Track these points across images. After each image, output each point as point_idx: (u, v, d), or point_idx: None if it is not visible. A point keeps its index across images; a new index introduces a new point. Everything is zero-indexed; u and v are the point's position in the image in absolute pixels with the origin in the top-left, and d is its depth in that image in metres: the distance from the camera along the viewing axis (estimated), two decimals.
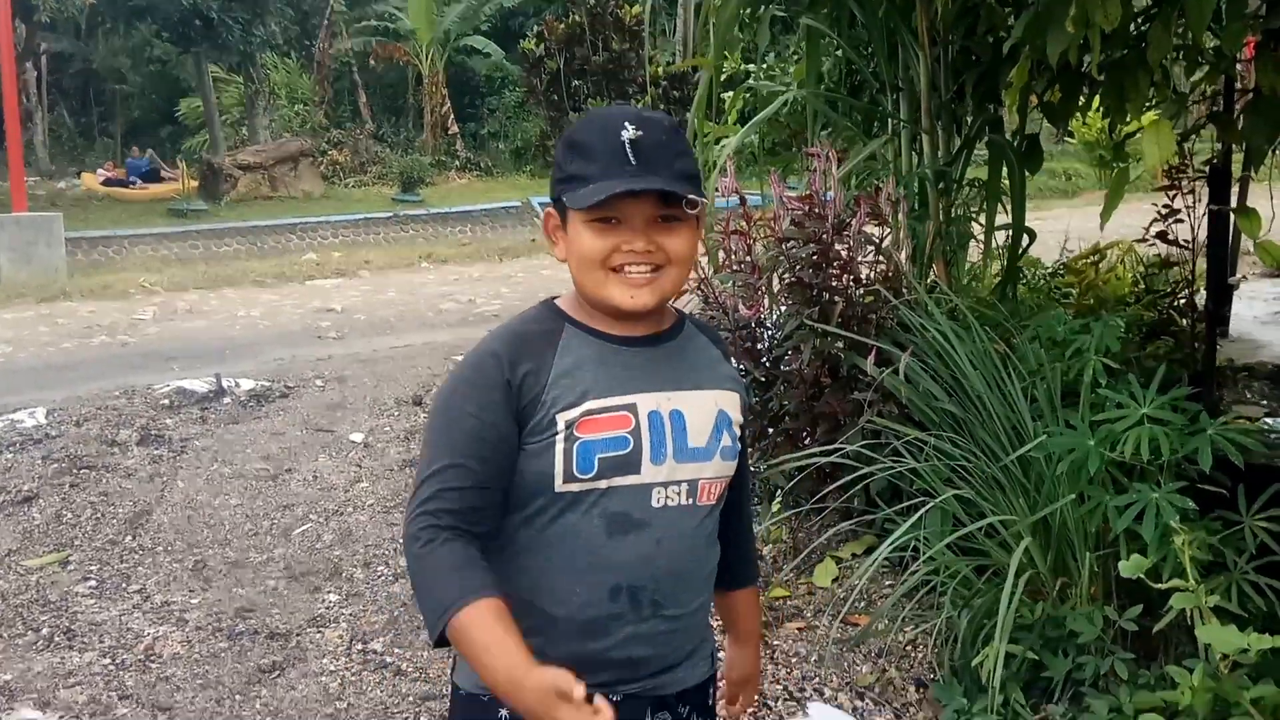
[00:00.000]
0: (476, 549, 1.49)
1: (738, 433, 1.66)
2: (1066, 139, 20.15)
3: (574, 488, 1.52)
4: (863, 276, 4.13)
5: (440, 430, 1.55)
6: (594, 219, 1.53)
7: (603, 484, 1.53)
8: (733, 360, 1.75)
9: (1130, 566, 2.51)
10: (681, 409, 1.58)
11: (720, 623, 1.94)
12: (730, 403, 1.65)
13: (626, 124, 1.51)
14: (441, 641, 1.45)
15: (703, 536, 1.63)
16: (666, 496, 1.57)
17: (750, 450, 1.80)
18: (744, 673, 1.89)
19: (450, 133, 27.58)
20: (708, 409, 1.61)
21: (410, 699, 3.36)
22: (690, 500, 1.59)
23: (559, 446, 1.51)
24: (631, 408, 1.55)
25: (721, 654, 1.87)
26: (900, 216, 4.46)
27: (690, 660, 1.66)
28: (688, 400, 1.60)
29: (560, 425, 1.51)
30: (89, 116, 31.27)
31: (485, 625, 1.41)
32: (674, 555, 1.58)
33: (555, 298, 1.66)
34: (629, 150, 1.50)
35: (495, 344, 1.58)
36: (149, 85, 29.36)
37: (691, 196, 1.52)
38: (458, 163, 26.96)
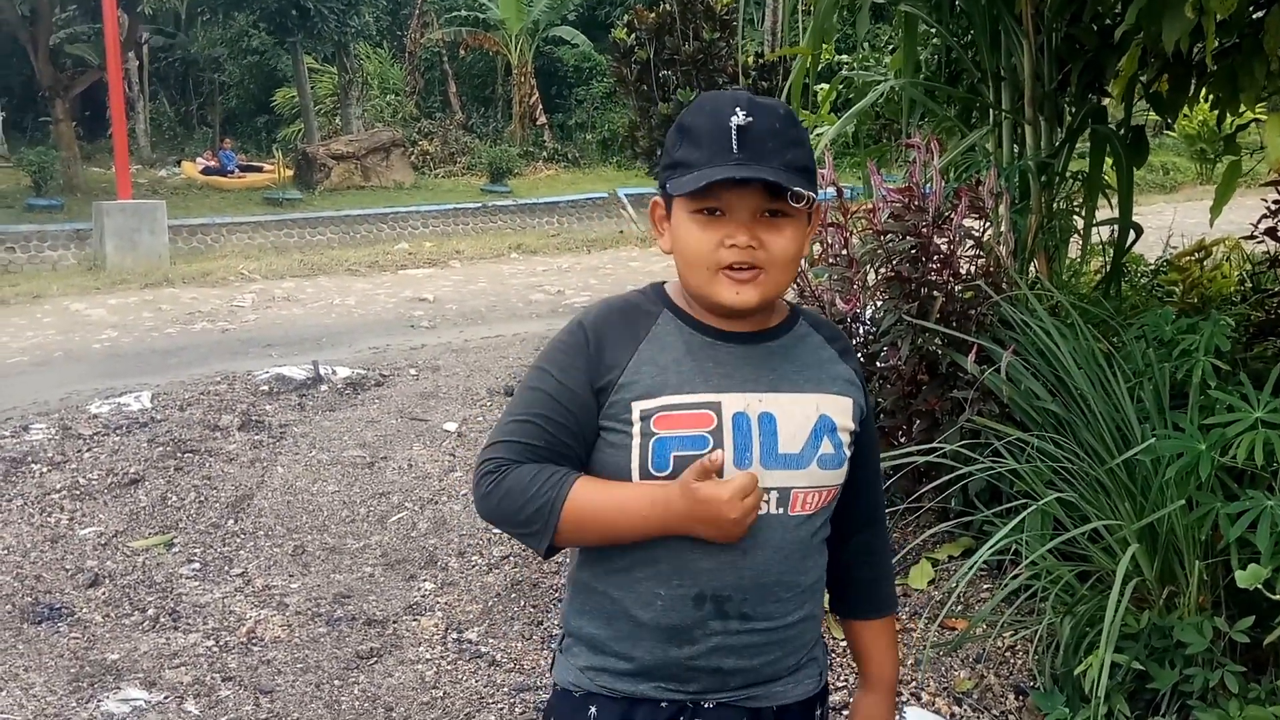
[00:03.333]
0: (546, 455, 1.49)
1: (844, 439, 1.55)
2: (1166, 131, 19.58)
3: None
4: (963, 271, 4.05)
5: (523, 389, 1.55)
6: (697, 209, 1.46)
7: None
8: (856, 359, 1.65)
9: (1247, 577, 2.43)
10: (773, 412, 1.50)
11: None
12: (837, 408, 1.56)
13: (737, 109, 1.44)
14: (552, 550, 1.48)
15: (798, 547, 1.53)
16: None
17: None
18: None
19: (538, 123, 27.78)
20: (805, 413, 1.52)
21: (505, 689, 3.39)
22: (781, 509, 1.50)
23: (635, 441, 1.47)
24: (715, 407, 1.48)
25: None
26: (1002, 209, 4.36)
27: (793, 676, 1.59)
28: (782, 403, 1.51)
29: (635, 414, 1.47)
30: (188, 106, 32.05)
31: (598, 492, 1.46)
32: (763, 566, 1.50)
33: (664, 283, 1.62)
34: (734, 137, 1.42)
35: (590, 315, 1.56)
36: (246, 75, 30.00)
37: (797, 190, 1.43)
38: (545, 153, 27.16)
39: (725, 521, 1.41)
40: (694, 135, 1.47)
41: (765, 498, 1.49)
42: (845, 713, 3.13)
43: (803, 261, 4.40)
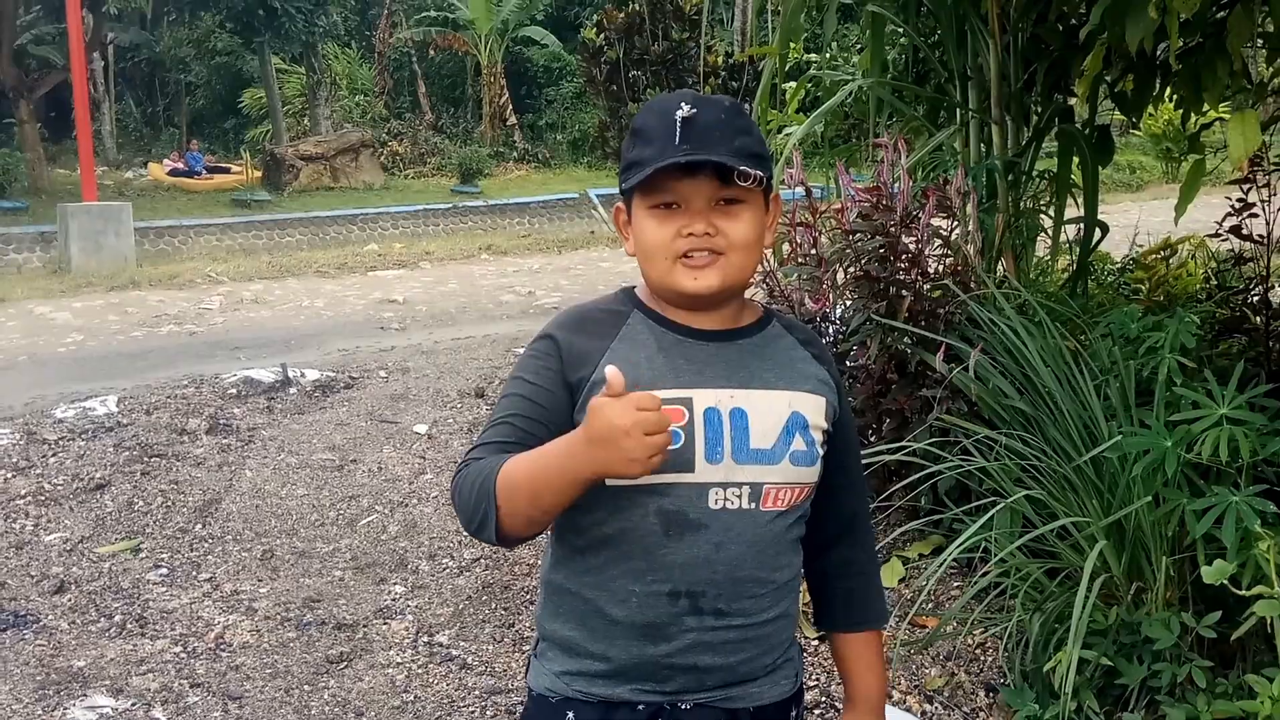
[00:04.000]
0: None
1: (817, 438, 1.56)
2: (1132, 131, 19.75)
3: (621, 482, 1.43)
4: (931, 270, 4.07)
5: (501, 399, 1.56)
6: (653, 205, 1.49)
7: (653, 480, 1.44)
8: (833, 364, 1.65)
9: (1213, 573, 2.45)
10: (745, 408, 1.50)
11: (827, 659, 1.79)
12: (810, 406, 1.56)
13: (682, 104, 1.47)
14: (505, 536, 1.43)
15: (771, 543, 1.53)
16: (725, 498, 1.49)
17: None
18: None
19: (508, 124, 27.74)
20: (777, 410, 1.52)
21: (476, 693, 3.38)
22: (753, 504, 1.50)
23: None
24: (687, 402, 1.48)
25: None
26: (969, 209, 4.39)
27: (769, 676, 1.58)
28: (754, 399, 1.52)
29: None
30: (155, 107, 31.79)
31: (523, 454, 1.42)
32: (736, 560, 1.50)
33: (634, 286, 1.62)
34: (679, 129, 1.45)
35: (560, 319, 1.57)
36: (213, 76, 29.79)
37: (744, 169, 1.44)
38: (515, 154, 27.13)
39: (618, 432, 1.31)
40: (644, 134, 1.50)
41: (737, 491, 1.49)
42: (818, 712, 3.13)
43: (772, 261, 4.43)
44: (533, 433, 1.49)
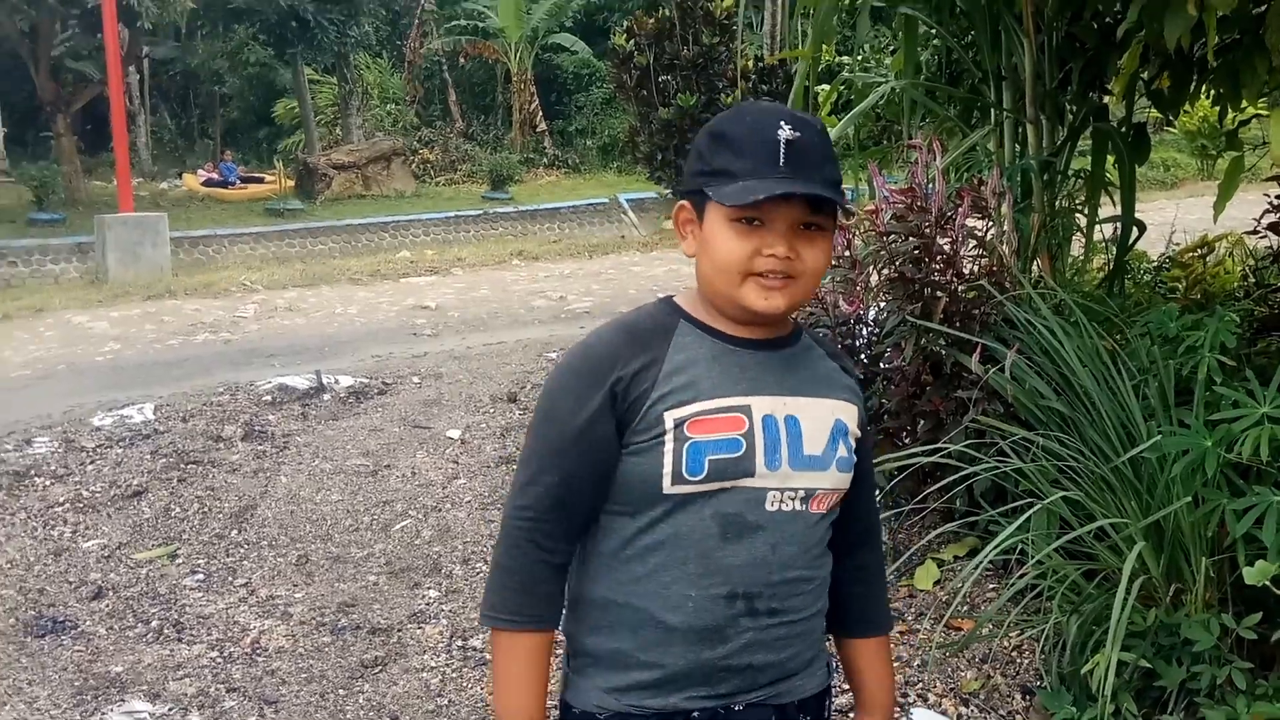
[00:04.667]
0: (560, 562, 1.53)
1: (854, 445, 1.60)
2: (1166, 128, 19.55)
3: (683, 489, 1.48)
4: (966, 271, 4.04)
5: (543, 424, 1.54)
6: (737, 218, 1.47)
7: (713, 486, 1.48)
8: (852, 373, 1.68)
9: (1255, 573, 2.41)
10: (797, 415, 1.53)
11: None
12: (848, 414, 1.60)
13: (783, 123, 1.45)
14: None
15: (817, 543, 1.58)
16: (781, 500, 1.51)
17: None
18: None
19: (538, 130, 27.81)
20: (824, 418, 1.56)
21: None
22: (804, 507, 1.54)
23: (668, 446, 1.47)
24: (745, 410, 1.50)
25: (838, 673, 1.76)
26: (1004, 209, 4.35)
27: (809, 669, 1.61)
28: (804, 407, 1.54)
29: (669, 424, 1.47)
30: (189, 118, 32.09)
31: (521, 658, 1.52)
32: (789, 560, 1.53)
33: (672, 296, 1.63)
34: (783, 151, 1.44)
35: (607, 335, 1.56)
36: (246, 87, 30.02)
37: (848, 206, 1.49)
38: (546, 160, 27.19)
39: None
40: (735, 144, 1.48)
41: (792, 495, 1.52)
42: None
43: None
44: (580, 471, 1.51)
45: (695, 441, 1.47)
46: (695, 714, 1.53)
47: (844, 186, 1.61)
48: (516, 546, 1.51)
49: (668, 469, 1.47)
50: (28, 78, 23.16)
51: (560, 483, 1.50)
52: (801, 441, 1.52)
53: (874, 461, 3.68)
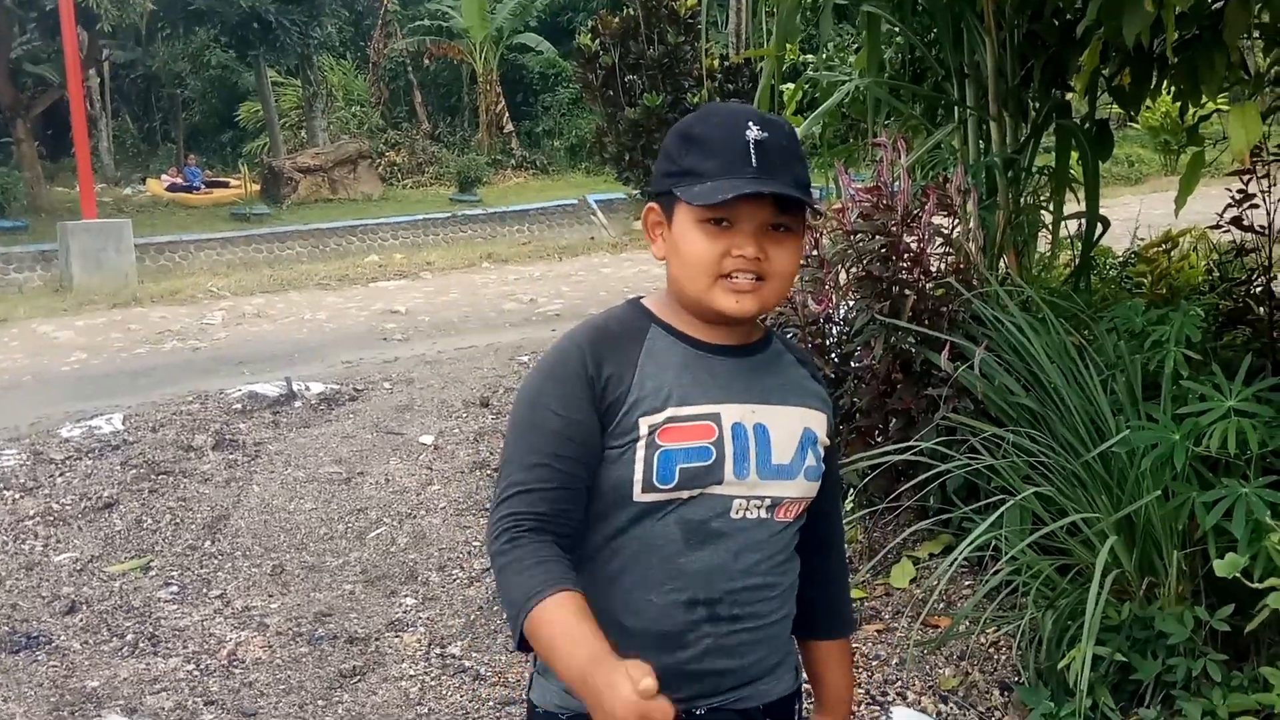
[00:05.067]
0: (558, 547, 1.45)
1: (821, 453, 1.60)
2: (1129, 124, 19.71)
3: (652, 497, 1.48)
4: (933, 269, 4.07)
5: (523, 428, 1.51)
6: (706, 219, 1.47)
7: (683, 494, 1.48)
8: (821, 381, 1.68)
9: (1226, 566, 2.45)
10: (766, 424, 1.53)
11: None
12: (817, 422, 1.60)
13: (751, 123, 1.46)
14: (524, 645, 1.40)
15: (781, 550, 1.57)
16: (746, 509, 1.52)
17: None
18: None
19: (505, 131, 27.76)
20: (793, 426, 1.56)
21: (490, 704, 3.38)
22: (770, 516, 1.54)
23: (639, 454, 1.46)
24: (715, 417, 1.49)
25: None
26: (970, 206, 4.39)
27: (774, 673, 1.61)
28: (773, 415, 1.54)
29: (643, 430, 1.46)
30: (151, 122, 31.78)
31: (561, 617, 1.36)
32: (750, 567, 1.53)
33: (641, 297, 1.62)
34: (753, 151, 1.44)
35: (580, 338, 1.54)
36: (209, 90, 29.76)
37: (816, 207, 1.49)
38: (513, 161, 27.15)
39: (609, 713, 1.28)
40: (705, 145, 1.47)
41: (758, 503, 1.52)
42: None
43: None
44: (572, 473, 1.48)
45: (666, 450, 1.46)
46: None
47: (812, 186, 1.61)
48: (515, 547, 1.44)
49: (638, 476, 1.47)
50: None
51: (540, 473, 1.46)
52: (770, 450, 1.52)
53: (847, 460, 3.72)
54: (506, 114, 27.88)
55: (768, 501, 1.53)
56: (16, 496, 5.24)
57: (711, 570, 1.50)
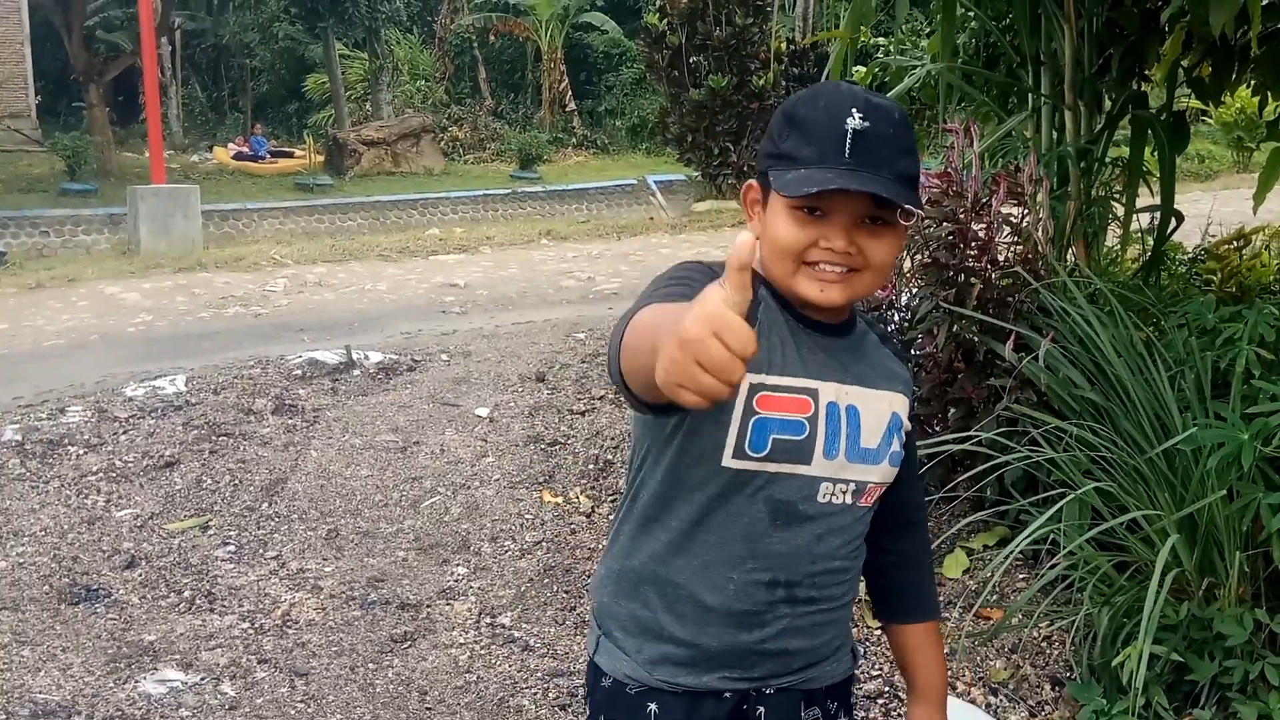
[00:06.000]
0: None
1: (904, 439, 1.58)
2: (1202, 119, 19.27)
3: (741, 465, 1.44)
4: (1000, 258, 4.01)
5: (656, 286, 1.40)
6: (797, 206, 1.41)
7: (771, 468, 1.45)
8: (904, 357, 1.65)
9: None
10: (858, 406, 1.50)
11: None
12: (902, 407, 1.57)
13: (855, 110, 1.38)
14: (624, 383, 1.24)
15: (859, 534, 1.57)
16: (833, 493, 1.50)
17: None
18: None
19: (568, 110, 27.78)
20: (881, 411, 1.53)
21: (539, 675, 3.40)
22: (854, 501, 1.52)
23: (735, 416, 1.41)
24: (813, 393, 1.46)
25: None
26: (1041, 196, 4.32)
27: (837, 655, 1.62)
28: (864, 398, 1.51)
29: (745, 384, 1.39)
30: (220, 91, 32.21)
31: (660, 308, 1.22)
32: (832, 551, 1.52)
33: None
34: (849, 141, 1.37)
35: (705, 267, 1.45)
36: (277, 61, 30.08)
37: (907, 207, 1.39)
38: (574, 140, 27.18)
39: (679, 328, 1.03)
40: (805, 129, 1.41)
41: (844, 488, 1.50)
42: (880, 701, 3.12)
43: None
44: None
45: (762, 417, 1.42)
46: (726, 694, 1.53)
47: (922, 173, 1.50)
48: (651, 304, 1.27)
49: (731, 440, 1.43)
50: (61, 48, 23.33)
51: (683, 288, 1.33)
52: (860, 433, 1.50)
53: None
54: (569, 92, 27.89)
55: (853, 486, 1.51)
56: (81, 452, 5.35)
57: (795, 552, 1.50)
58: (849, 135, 1.37)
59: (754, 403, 1.42)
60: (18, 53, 24.60)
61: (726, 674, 1.52)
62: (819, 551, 1.51)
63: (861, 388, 1.52)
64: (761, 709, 1.55)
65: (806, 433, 1.45)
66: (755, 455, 1.44)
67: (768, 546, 1.49)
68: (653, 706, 1.53)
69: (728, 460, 1.44)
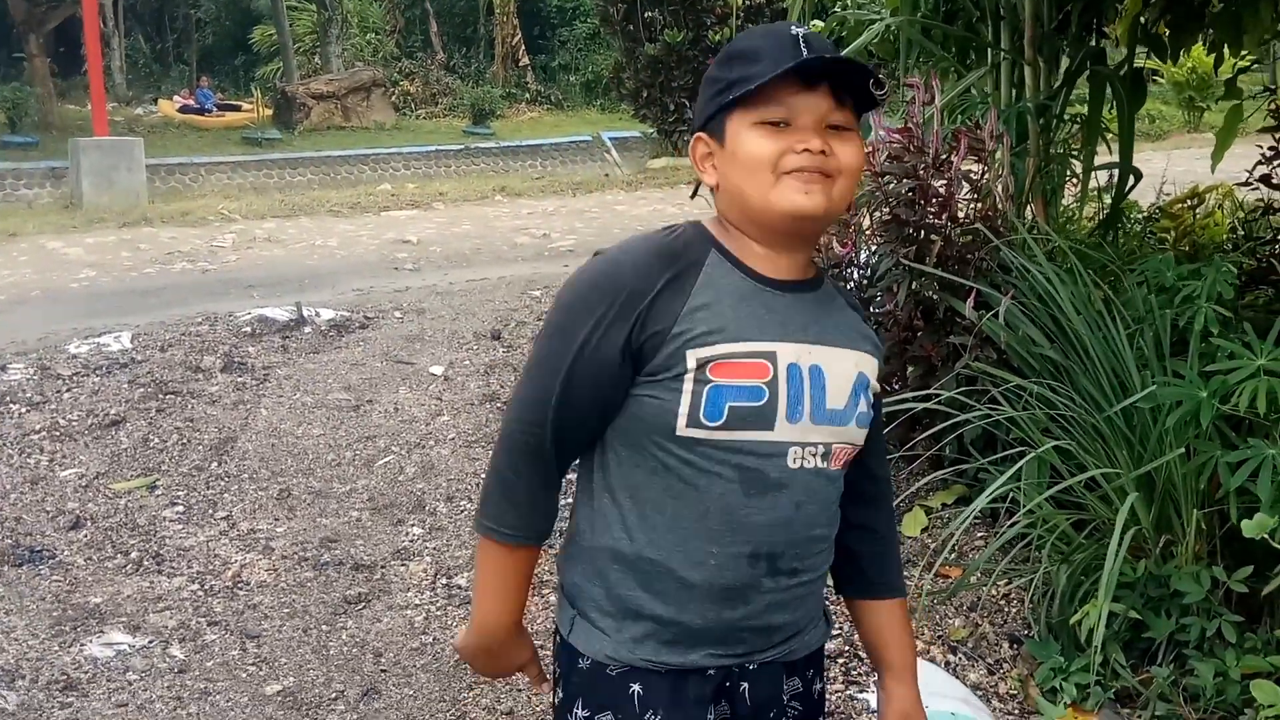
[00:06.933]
0: (558, 479, 1.47)
1: (872, 399, 1.53)
2: (1153, 79, 19.38)
3: (697, 434, 1.39)
4: (960, 215, 3.99)
5: (555, 336, 1.43)
6: (760, 121, 1.40)
7: (730, 436, 1.40)
8: (872, 329, 1.61)
9: (1253, 526, 2.40)
10: (822, 365, 1.45)
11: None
12: (869, 367, 1.52)
13: (793, 27, 1.41)
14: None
15: (835, 498, 1.53)
16: (803, 457, 1.44)
17: None
18: (906, 715, 1.65)
19: (521, 65, 27.48)
20: (847, 370, 1.48)
21: None
22: (825, 464, 1.47)
23: (687, 386, 1.38)
24: (770, 356, 1.41)
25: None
26: (1001, 152, 4.29)
27: (814, 624, 1.58)
28: (829, 356, 1.46)
29: (691, 363, 1.37)
30: (164, 43, 31.48)
31: (513, 571, 1.53)
32: (811, 519, 1.47)
33: (701, 220, 1.52)
34: (802, 43, 1.38)
35: (639, 254, 1.44)
36: (223, 12, 29.47)
37: (879, 77, 1.41)
38: (528, 95, 26.91)
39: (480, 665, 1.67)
40: (749, 54, 1.42)
41: (813, 450, 1.46)
42: (841, 660, 3.11)
43: None
44: (582, 412, 1.43)
45: (717, 385, 1.38)
46: (711, 672, 1.49)
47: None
48: (521, 458, 1.44)
49: (684, 409, 1.39)
50: None
51: (563, 402, 1.41)
52: (825, 394, 1.45)
53: None
54: (523, 47, 27.57)
55: (821, 449, 1.46)
56: (23, 411, 5.22)
57: (774, 523, 1.45)
58: (799, 37, 1.40)
59: (707, 371, 1.38)
60: None
61: (711, 651, 1.48)
62: (799, 519, 1.46)
63: (825, 347, 1.46)
64: (745, 684, 1.52)
65: (766, 398, 1.40)
66: (711, 424, 1.39)
67: (746, 518, 1.43)
68: (636, 687, 1.47)
69: (682, 429, 1.39)
